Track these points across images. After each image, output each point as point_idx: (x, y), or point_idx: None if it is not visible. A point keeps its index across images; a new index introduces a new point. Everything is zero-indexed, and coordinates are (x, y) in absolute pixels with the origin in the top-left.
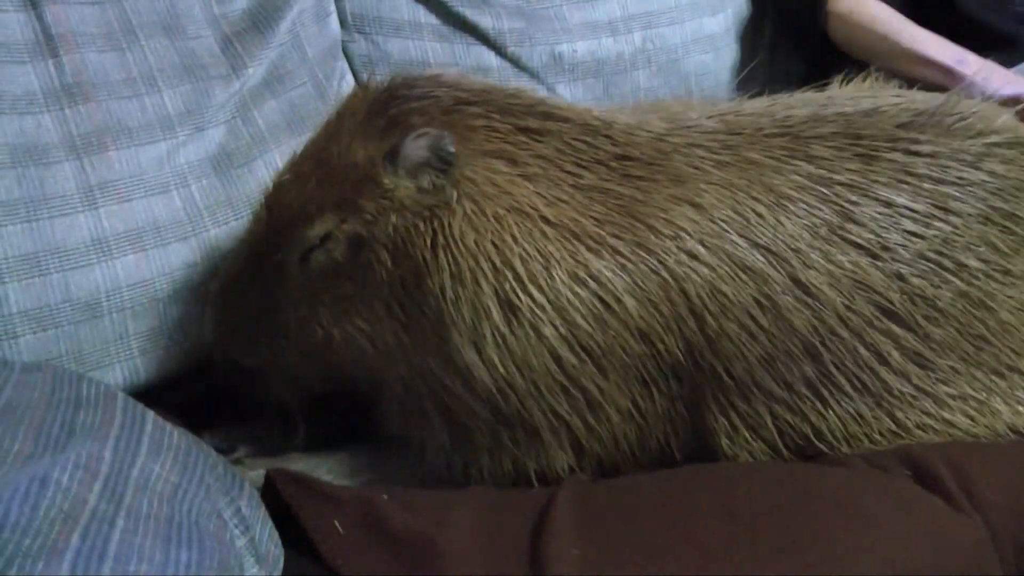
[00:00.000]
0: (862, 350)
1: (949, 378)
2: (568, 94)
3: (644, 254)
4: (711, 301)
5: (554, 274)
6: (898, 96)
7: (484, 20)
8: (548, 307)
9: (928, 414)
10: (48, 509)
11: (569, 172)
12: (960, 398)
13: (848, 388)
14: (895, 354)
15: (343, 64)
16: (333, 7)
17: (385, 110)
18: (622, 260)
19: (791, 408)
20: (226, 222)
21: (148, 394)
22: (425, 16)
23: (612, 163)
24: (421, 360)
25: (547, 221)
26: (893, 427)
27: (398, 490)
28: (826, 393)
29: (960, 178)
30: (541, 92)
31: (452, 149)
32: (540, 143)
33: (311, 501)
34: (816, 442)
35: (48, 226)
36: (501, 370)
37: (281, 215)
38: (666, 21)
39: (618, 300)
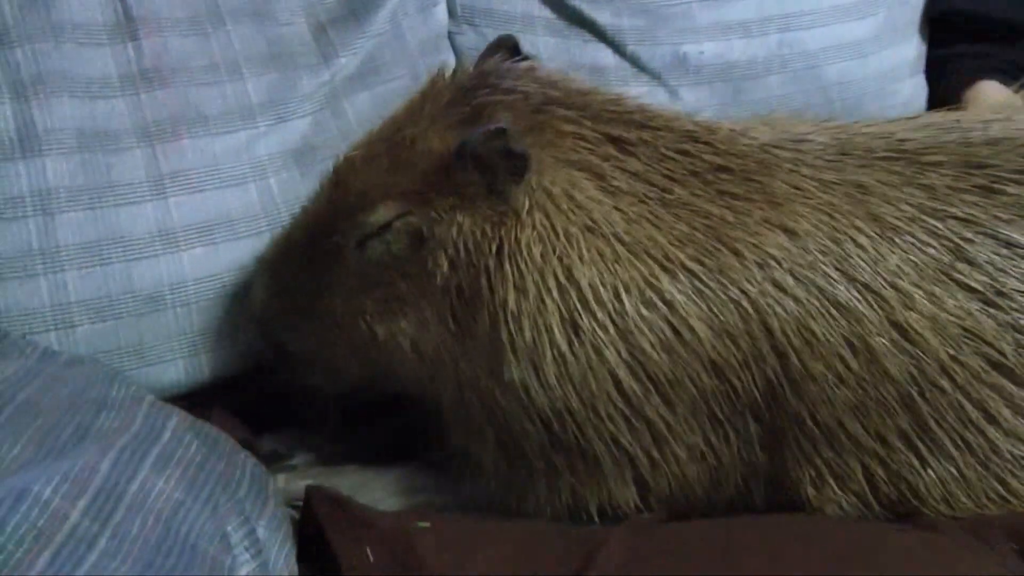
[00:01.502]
0: (967, 406)
1: None
2: (693, 98)
3: (725, 281)
4: (796, 338)
5: (622, 296)
6: None
7: (602, 16)
8: (611, 329)
9: None
10: (18, 526)
11: (658, 186)
12: None
13: (949, 446)
14: (1006, 413)
15: (449, 57)
16: None
17: (470, 98)
18: (699, 285)
19: (883, 461)
20: None
21: (211, 392)
22: (539, 9)
23: (708, 175)
24: (470, 372)
25: (621, 241)
26: (1003, 492)
27: (444, 518)
28: (924, 449)
29: None
30: (662, 95)
31: (526, 151)
32: (632, 155)
33: (345, 524)
34: (912, 500)
35: (113, 214)
36: (559, 392)
37: (345, 194)
38: (806, 24)
39: (690, 328)
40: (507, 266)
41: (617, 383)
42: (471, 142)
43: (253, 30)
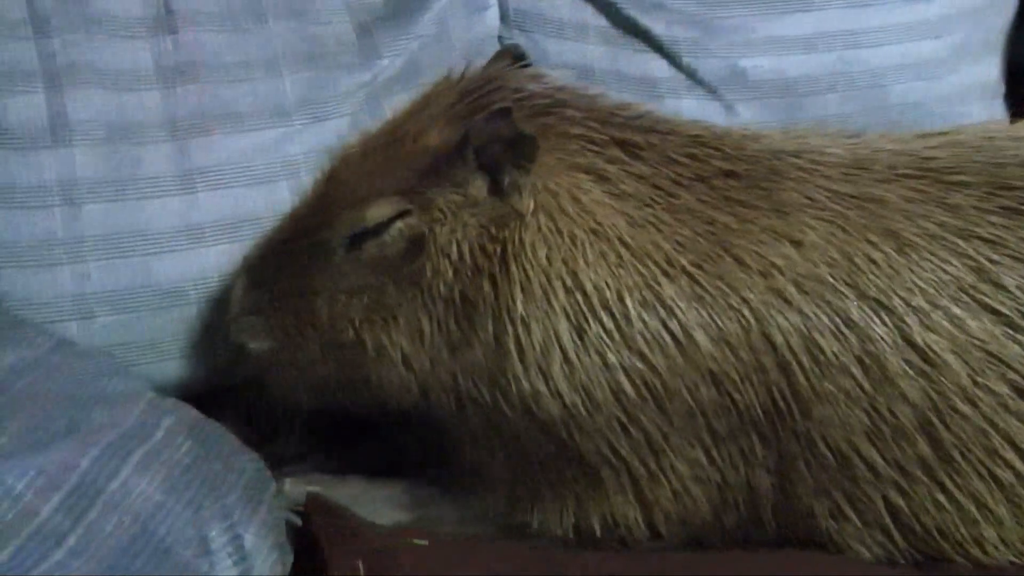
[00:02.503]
0: (993, 435)
1: None
2: (748, 114)
3: (725, 288)
4: (803, 354)
5: (625, 300)
6: None
7: (657, 26)
8: (616, 333)
9: None
10: None
11: (664, 190)
12: None
13: (974, 478)
14: None
15: None
16: (495, 0)
17: (474, 98)
18: (699, 291)
19: (904, 493)
20: None
21: (231, 391)
22: (593, 17)
23: (715, 181)
24: (470, 387)
25: (626, 244)
26: None
27: (442, 537)
28: (946, 480)
29: None
30: (717, 108)
31: (532, 134)
32: (639, 159)
33: (340, 535)
34: (939, 539)
35: (137, 207)
36: (568, 399)
37: (339, 188)
38: (871, 41)
39: (688, 334)
40: (512, 268)
41: (618, 389)
42: (475, 126)
43: (293, 28)
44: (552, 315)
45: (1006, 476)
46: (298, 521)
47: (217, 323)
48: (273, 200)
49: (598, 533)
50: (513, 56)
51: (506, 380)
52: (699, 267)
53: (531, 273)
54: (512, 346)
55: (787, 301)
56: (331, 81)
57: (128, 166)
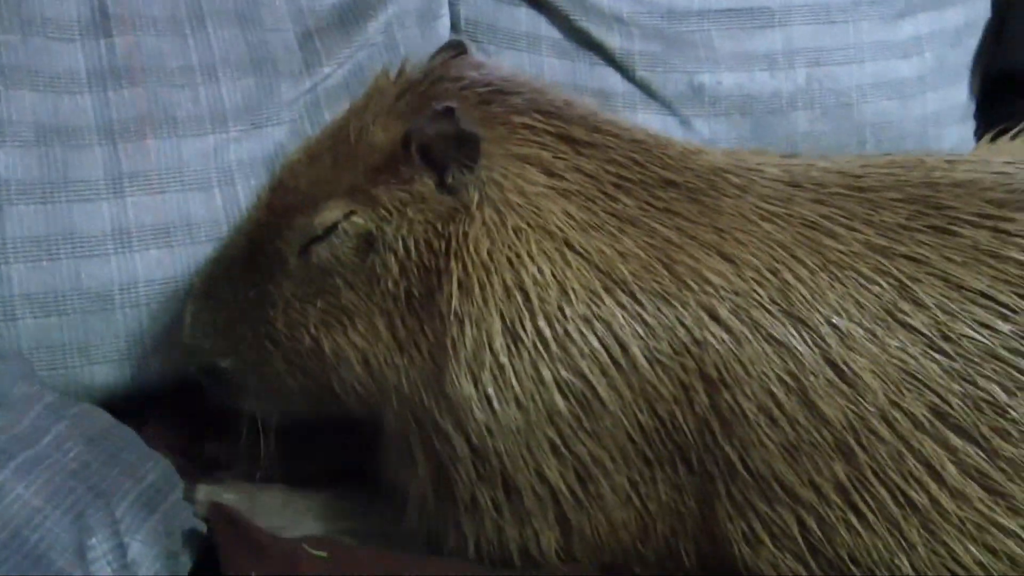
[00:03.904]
0: (909, 458)
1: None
2: (707, 131)
3: (662, 305)
4: (727, 373)
5: (566, 309)
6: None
7: (612, 39)
8: (553, 344)
9: (994, 551)
10: None
11: (608, 195)
12: None
13: (889, 502)
14: (952, 469)
15: None
16: (446, 9)
17: (416, 91)
18: (638, 307)
19: (819, 516)
20: None
21: (159, 396)
22: (546, 29)
23: (657, 190)
24: (414, 390)
25: (570, 246)
26: (949, 563)
27: (346, 550)
28: (861, 503)
29: None
30: (673, 124)
31: (476, 132)
32: (583, 156)
33: (238, 546)
34: (851, 566)
35: (66, 210)
36: (497, 407)
37: (286, 197)
38: (840, 59)
39: (626, 351)
40: (452, 263)
41: (550, 407)
42: (417, 127)
43: (235, 33)
44: (487, 315)
45: (921, 500)
46: (203, 529)
47: (146, 329)
48: (207, 206)
49: (516, 560)
50: (455, 49)
51: (442, 382)
52: (639, 281)
53: (471, 268)
54: (449, 345)
55: (717, 319)
56: (271, 88)
57: (58, 169)
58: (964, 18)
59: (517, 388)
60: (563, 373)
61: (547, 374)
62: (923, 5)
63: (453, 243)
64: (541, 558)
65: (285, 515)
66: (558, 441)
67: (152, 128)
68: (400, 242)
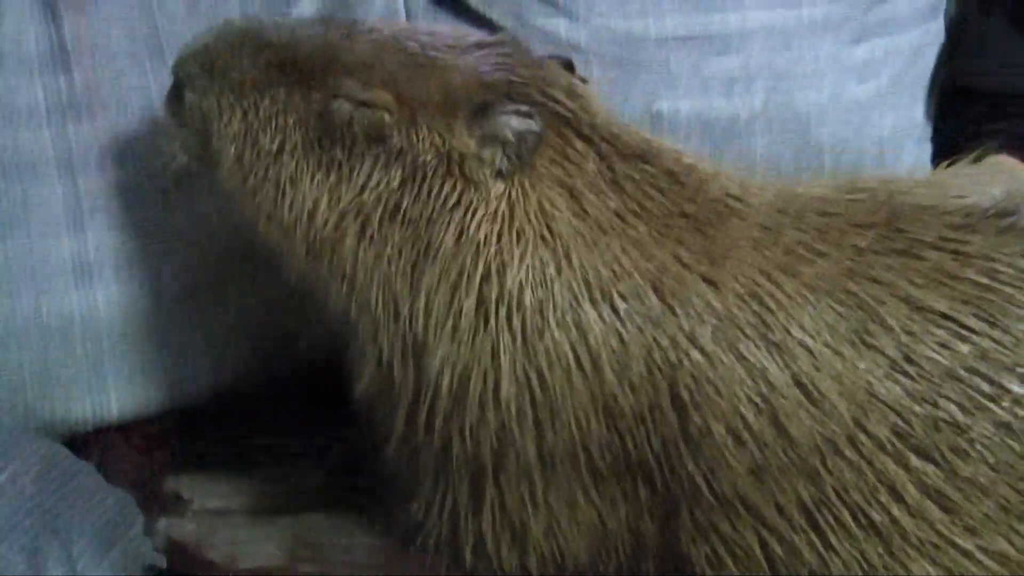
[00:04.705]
0: (871, 479)
1: (981, 528)
2: None
3: (644, 327)
4: (698, 394)
5: (544, 313)
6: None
7: None
8: (519, 336)
9: (950, 572)
10: None
11: (625, 221)
12: (997, 555)
13: (851, 523)
14: (912, 490)
15: None
16: None
17: (516, 77)
18: (619, 325)
19: (782, 537)
20: None
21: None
22: None
23: (671, 220)
24: (374, 295)
25: (568, 260)
26: None
27: None
28: (824, 525)
29: (1014, 287)
30: None
31: (541, 132)
32: (615, 188)
33: None
34: None
35: (25, 245)
36: (446, 368)
37: (339, 55)
38: (797, 83)
39: (595, 364)
40: (451, 227)
41: (496, 389)
42: (492, 109)
43: None
44: (464, 288)
45: (882, 520)
46: (163, 563)
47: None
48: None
49: (468, 562)
50: (564, 65)
51: (403, 312)
52: (626, 301)
53: (464, 242)
54: (423, 290)
55: (694, 342)
56: None
57: (17, 204)
58: (919, 40)
59: (469, 359)
60: (520, 363)
61: (504, 360)
62: (878, 29)
63: (459, 212)
64: (499, 569)
65: (247, 545)
66: (496, 424)
67: (112, 161)
68: (410, 168)
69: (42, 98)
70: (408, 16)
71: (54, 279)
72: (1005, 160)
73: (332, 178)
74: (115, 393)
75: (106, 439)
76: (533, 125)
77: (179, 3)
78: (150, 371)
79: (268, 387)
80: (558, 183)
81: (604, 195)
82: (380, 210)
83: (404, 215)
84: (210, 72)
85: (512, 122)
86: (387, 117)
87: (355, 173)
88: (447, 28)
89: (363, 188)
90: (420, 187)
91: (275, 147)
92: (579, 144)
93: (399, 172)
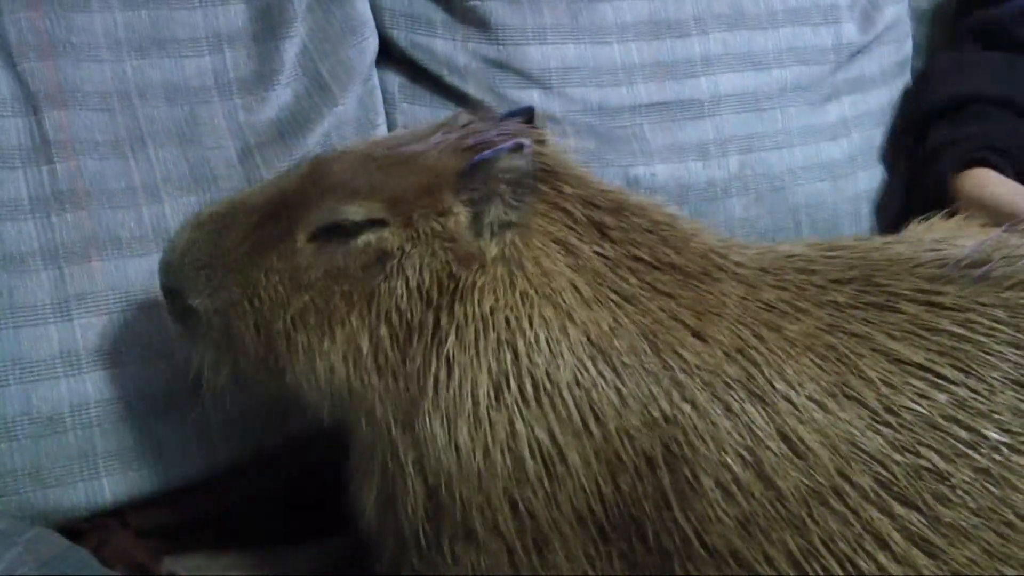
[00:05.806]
0: (857, 527)
1: (967, 573)
2: None
3: (642, 380)
4: (688, 447)
5: (554, 374)
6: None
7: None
8: (533, 403)
9: None
10: None
11: (618, 274)
12: None
13: (839, 573)
14: (897, 537)
15: None
16: (383, 118)
17: (485, 137)
18: (619, 382)
19: None
20: None
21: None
22: None
23: (660, 272)
24: (384, 415)
25: (572, 320)
26: None
27: None
28: (812, 575)
29: (989, 336)
30: None
31: (537, 171)
32: (607, 240)
33: None
34: None
35: (12, 336)
36: (463, 454)
37: (327, 177)
38: (770, 145)
39: (600, 420)
40: (456, 308)
41: (519, 463)
42: (486, 157)
43: (176, 154)
44: (476, 364)
45: (869, 568)
46: None
47: (99, 450)
48: (157, 323)
49: None
50: (526, 114)
51: (413, 417)
52: (624, 356)
53: (470, 318)
54: (431, 385)
55: (685, 395)
56: None
57: (4, 295)
58: (888, 98)
59: (489, 439)
60: (537, 432)
61: (522, 430)
62: (848, 88)
63: (461, 289)
64: None
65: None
66: (518, 499)
67: (97, 250)
68: (416, 273)
69: (25, 191)
70: (385, 98)
71: (42, 369)
72: (986, 174)
73: (336, 335)
74: (108, 479)
75: (102, 524)
76: (529, 162)
77: (159, 94)
78: (143, 455)
79: (261, 462)
80: (551, 238)
81: (596, 247)
82: (392, 340)
83: (419, 327)
84: (208, 266)
85: (500, 164)
86: (387, 232)
87: (357, 319)
88: (401, 131)
89: (385, 316)
90: (428, 287)
91: (296, 310)
92: (567, 191)
93: (402, 285)
